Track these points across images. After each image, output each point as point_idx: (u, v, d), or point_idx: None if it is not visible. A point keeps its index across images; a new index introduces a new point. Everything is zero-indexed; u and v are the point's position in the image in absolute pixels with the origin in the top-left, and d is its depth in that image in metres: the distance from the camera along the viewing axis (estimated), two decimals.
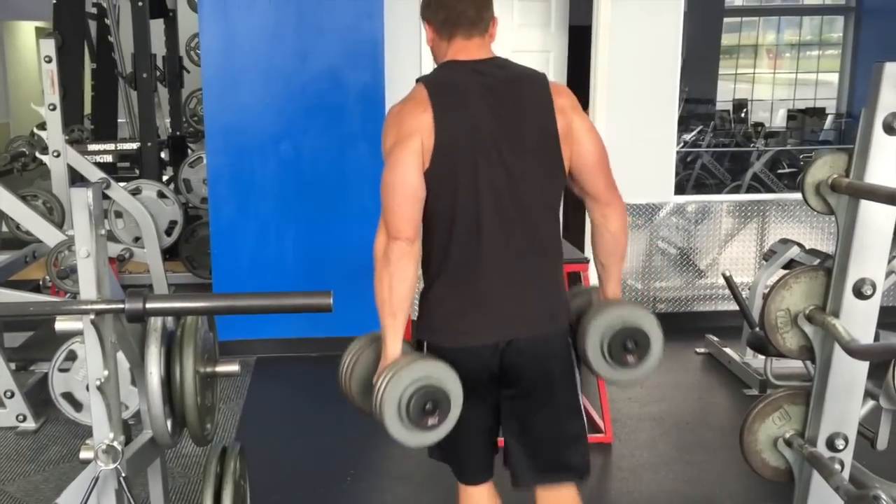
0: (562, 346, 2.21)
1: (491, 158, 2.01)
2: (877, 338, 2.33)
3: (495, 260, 2.05)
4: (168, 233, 5.31)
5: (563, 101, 2.11)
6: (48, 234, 4.10)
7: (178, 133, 7.07)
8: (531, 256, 2.12)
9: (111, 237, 5.09)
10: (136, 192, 5.20)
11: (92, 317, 1.80)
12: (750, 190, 7.46)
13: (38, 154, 5.87)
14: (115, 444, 1.90)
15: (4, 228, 4.77)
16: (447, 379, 1.97)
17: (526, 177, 2.06)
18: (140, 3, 5.65)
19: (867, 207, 2.18)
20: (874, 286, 2.22)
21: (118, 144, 5.82)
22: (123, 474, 1.91)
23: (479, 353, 2.07)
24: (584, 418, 2.29)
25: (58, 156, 4.81)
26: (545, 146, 2.07)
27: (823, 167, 2.28)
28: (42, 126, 5.23)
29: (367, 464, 3.41)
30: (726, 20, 11.08)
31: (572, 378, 2.25)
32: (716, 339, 4.59)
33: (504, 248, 2.06)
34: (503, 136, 2.02)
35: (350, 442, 3.56)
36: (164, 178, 6.31)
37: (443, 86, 2.05)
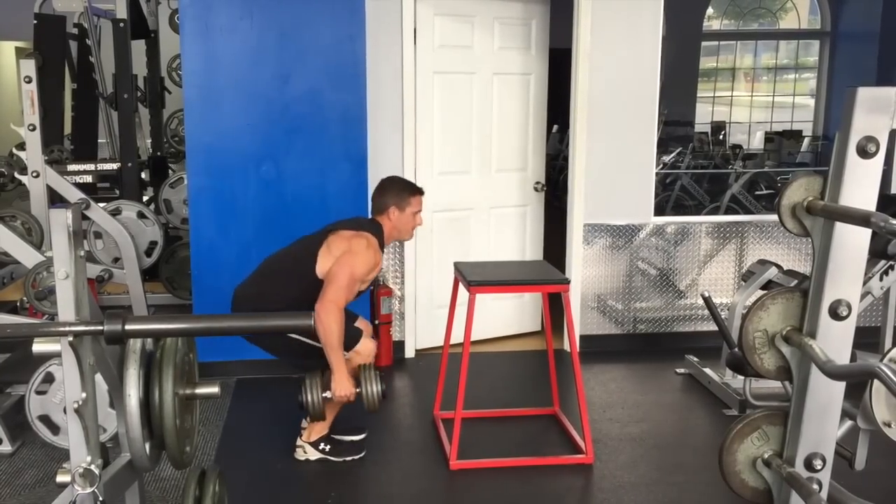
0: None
1: None
2: (853, 358, 2.36)
3: None
4: (148, 253, 5.28)
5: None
6: (26, 255, 4.06)
7: (158, 153, 7.06)
8: None
9: (90, 258, 5.05)
10: (115, 213, 5.18)
11: (70, 338, 1.79)
12: (728, 211, 7.53)
13: (16, 174, 5.83)
14: (93, 467, 1.88)
15: None
16: None
17: None
18: (121, 24, 5.64)
19: (842, 230, 2.21)
20: (850, 307, 2.24)
21: (98, 165, 5.78)
22: (101, 498, 1.89)
23: None
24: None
25: (37, 176, 4.78)
26: None
27: (799, 190, 2.31)
28: (21, 146, 5.20)
29: (348, 486, 3.39)
30: (704, 44, 11.23)
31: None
32: (695, 359, 4.62)
33: None
34: None
35: (330, 464, 3.54)
36: (145, 198, 6.28)
37: None
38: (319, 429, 3.56)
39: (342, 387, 3.24)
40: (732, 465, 2.46)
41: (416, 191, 3.60)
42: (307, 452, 3.57)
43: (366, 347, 3.46)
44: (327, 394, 3.26)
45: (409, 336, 4.91)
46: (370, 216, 3.66)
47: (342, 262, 3.30)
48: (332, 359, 3.24)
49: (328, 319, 3.18)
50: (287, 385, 4.47)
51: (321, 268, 3.34)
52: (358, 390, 3.27)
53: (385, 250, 4.72)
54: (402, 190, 3.57)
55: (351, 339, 3.37)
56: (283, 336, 3.34)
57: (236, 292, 3.52)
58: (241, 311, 3.41)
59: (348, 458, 3.56)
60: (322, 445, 3.56)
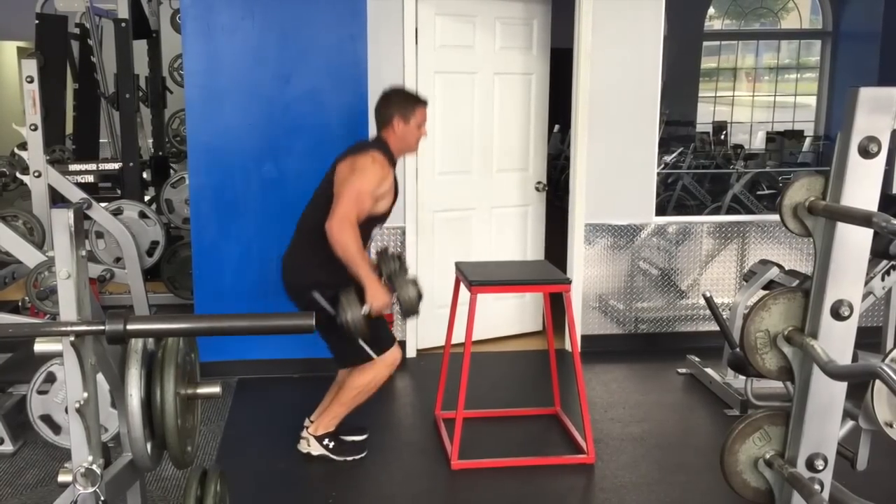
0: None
1: None
2: (855, 358, 2.36)
3: None
4: (150, 253, 5.28)
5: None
6: (28, 255, 4.07)
7: (160, 153, 7.06)
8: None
9: (92, 258, 5.06)
10: (117, 213, 5.18)
11: (72, 338, 1.79)
12: (730, 211, 7.53)
13: (18, 174, 5.83)
14: (94, 467, 1.88)
15: None
16: None
17: None
18: (123, 24, 5.65)
19: (844, 230, 2.21)
20: (851, 307, 2.24)
21: (100, 164, 5.79)
22: (102, 498, 1.89)
23: None
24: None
25: (39, 176, 4.78)
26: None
27: (800, 190, 2.31)
28: (23, 146, 5.20)
29: (349, 486, 3.39)
30: (706, 43, 11.23)
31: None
32: (697, 359, 4.62)
33: None
34: None
35: (331, 464, 3.54)
36: (146, 198, 6.29)
37: None
38: (327, 423, 3.55)
39: (377, 297, 3.24)
40: (734, 466, 2.46)
41: (420, 102, 3.50)
42: (311, 446, 3.57)
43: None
44: (364, 308, 3.23)
45: (409, 336, 4.91)
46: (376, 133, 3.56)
47: (347, 181, 3.29)
48: (360, 273, 3.23)
49: (341, 235, 3.19)
50: (288, 384, 4.49)
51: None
52: (394, 300, 3.30)
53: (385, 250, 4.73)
54: (405, 101, 3.48)
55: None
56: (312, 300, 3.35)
57: (282, 258, 3.53)
58: (288, 274, 3.48)
59: (349, 458, 3.56)
60: (326, 441, 3.56)
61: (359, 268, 3.23)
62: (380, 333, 3.43)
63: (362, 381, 3.47)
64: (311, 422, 3.60)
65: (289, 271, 3.49)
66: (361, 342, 3.35)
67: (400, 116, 3.44)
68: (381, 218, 3.47)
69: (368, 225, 3.38)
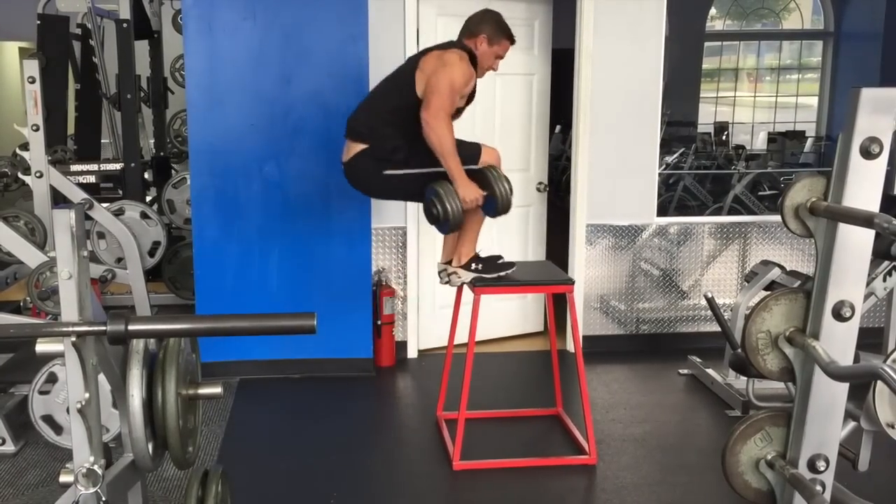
0: None
1: None
2: (856, 359, 2.36)
3: None
4: (151, 254, 5.28)
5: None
6: (29, 256, 4.07)
7: (161, 154, 7.06)
8: None
9: (93, 258, 5.05)
10: (119, 213, 5.18)
11: (73, 339, 1.79)
12: (731, 212, 7.52)
13: (20, 175, 5.83)
14: (96, 467, 1.88)
15: None
16: None
17: None
18: (125, 25, 5.65)
19: (845, 230, 2.21)
20: (853, 308, 2.24)
21: (101, 165, 5.79)
22: (104, 498, 1.89)
23: None
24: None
25: (40, 176, 4.79)
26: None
27: (802, 191, 2.31)
28: (24, 146, 5.20)
29: (350, 486, 3.39)
30: (707, 44, 11.22)
31: None
32: (698, 360, 4.61)
33: None
34: None
35: (333, 464, 3.54)
36: (148, 198, 6.29)
37: None
38: (467, 251, 3.59)
39: (468, 191, 3.30)
40: (735, 467, 2.46)
41: (511, 38, 3.56)
42: (461, 276, 3.59)
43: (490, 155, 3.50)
44: (457, 201, 3.29)
45: (411, 336, 4.91)
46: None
47: (439, 73, 3.32)
48: (451, 166, 3.28)
49: (438, 126, 3.24)
50: (290, 385, 4.49)
51: (420, 87, 3.37)
52: (486, 193, 3.33)
53: (387, 252, 4.74)
54: (499, 27, 3.52)
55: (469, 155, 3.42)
56: (386, 179, 3.43)
57: (348, 121, 3.56)
58: (356, 134, 3.50)
59: (502, 273, 3.59)
60: (474, 265, 3.58)
61: (452, 160, 3.28)
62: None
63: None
64: (449, 262, 3.63)
65: (362, 123, 3.48)
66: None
67: (488, 36, 3.49)
68: (457, 114, 3.52)
69: None
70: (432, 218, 3.38)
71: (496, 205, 3.38)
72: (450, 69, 3.34)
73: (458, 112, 3.52)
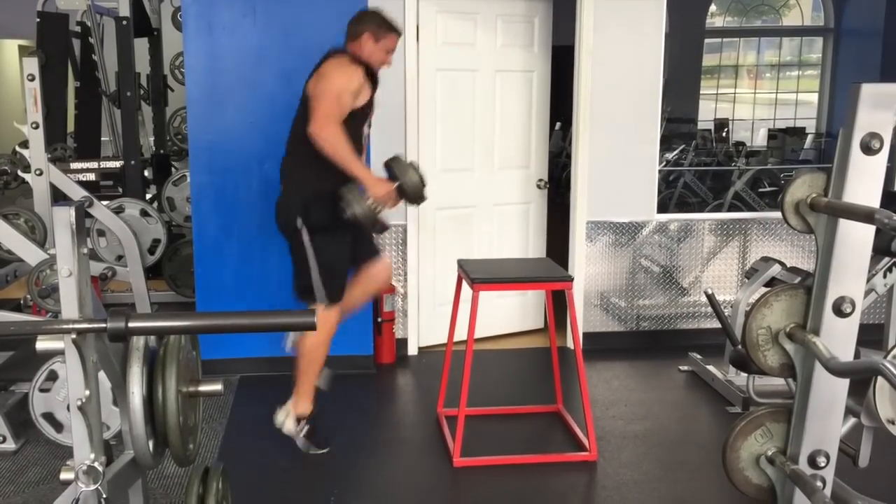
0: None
1: None
2: (857, 355, 2.36)
3: None
4: (151, 251, 5.28)
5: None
6: (30, 253, 4.07)
7: (161, 151, 7.06)
8: None
9: (93, 256, 5.06)
10: (119, 211, 5.18)
11: (73, 336, 1.79)
12: (732, 208, 7.52)
13: (20, 172, 5.84)
14: (96, 465, 1.88)
15: None
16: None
17: None
18: (124, 22, 5.65)
19: (846, 226, 2.20)
20: (853, 304, 2.24)
21: (101, 163, 5.79)
22: (104, 496, 1.89)
23: None
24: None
25: (40, 174, 4.79)
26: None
27: (802, 186, 2.31)
28: (24, 144, 5.21)
29: (350, 484, 3.40)
30: (707, 40, 11.21)
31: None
32: (699, 356, 4.62)
33: None
34: None
35: (333, 462, 3.54)
36: (148, 196, 6.29)
37: None
38: (304, 403, 3.58)
39: (377, 188, 3.33)
40: (736, 463, 2.46)
41: (395, 30, 3.54)
42: (287, 424, 3.59)
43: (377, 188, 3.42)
44: (369, 200, 3.31)
45: (411, 333, 4.91)
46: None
47: (318, 89, 3.34)
48: (353, 168, 3.30)
49: (327, 135, 3.24)
50: (290, 382, 4.49)
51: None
52: (396, 184, 3.37)
53: (387, 249, 4.73)
54: (381, 23, 3.52)
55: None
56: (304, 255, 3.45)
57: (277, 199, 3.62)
58: (284, 185, 3.56)
59: (312, 452, 3.58)
60: (302, 424, 3.58)
61: (351, 163, 3.28)
62: (337, 280, 3.48)
63: (307, 348, 3.56)
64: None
65: (282, 196, 3.54)
66: (320, 282, 3.42)
67: (371, 34, 3.48)
68: (365, 113, 3.48)
69: (354, 123, 3.39)
70: (347, 220, 3.36)
71: (407, 197, 3.41)
72: (327, 79, 3.35)
73: (364, 118, 3.50)
